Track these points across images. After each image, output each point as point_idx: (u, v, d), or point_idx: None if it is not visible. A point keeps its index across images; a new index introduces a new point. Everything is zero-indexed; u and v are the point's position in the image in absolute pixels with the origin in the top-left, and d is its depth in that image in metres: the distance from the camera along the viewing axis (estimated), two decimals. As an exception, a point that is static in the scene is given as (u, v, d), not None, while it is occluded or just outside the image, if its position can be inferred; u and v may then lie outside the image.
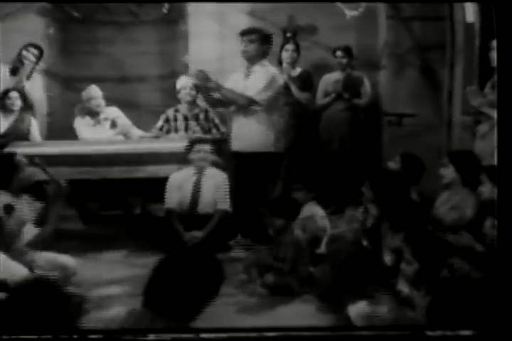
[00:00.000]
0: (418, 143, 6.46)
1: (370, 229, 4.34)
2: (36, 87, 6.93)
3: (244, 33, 5.65)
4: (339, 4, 6.61)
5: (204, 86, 5.62)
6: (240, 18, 7.33)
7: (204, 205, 5.80)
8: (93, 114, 6.65)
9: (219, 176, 5.86)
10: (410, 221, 4.00)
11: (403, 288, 3.71)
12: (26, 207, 4.74)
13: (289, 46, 6.88)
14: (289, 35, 7.24)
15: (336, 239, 4.67)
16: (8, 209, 4.51)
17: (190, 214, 5.78)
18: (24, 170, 4.68)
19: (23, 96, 6.61)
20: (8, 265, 3.98)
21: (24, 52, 6.71)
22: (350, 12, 6.63)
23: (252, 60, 5.65)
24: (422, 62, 6.83)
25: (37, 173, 4.80)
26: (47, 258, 4.38)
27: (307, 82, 6.87)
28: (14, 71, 6.75)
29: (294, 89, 6.78)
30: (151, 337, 2.72)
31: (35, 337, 2.70)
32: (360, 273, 4.18)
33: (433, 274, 3.50)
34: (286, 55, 6.85)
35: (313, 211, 5.22)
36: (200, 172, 5.80)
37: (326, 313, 4.25)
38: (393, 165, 5.23)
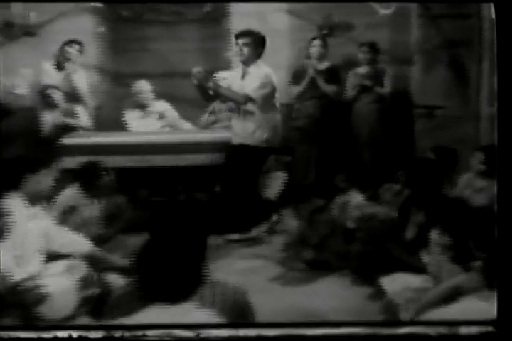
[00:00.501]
0: (448, 134, 6.73)
1: (401, 205, 4.75)
2: (82, 81, 7.17)
3: (240, 36, 5.87)
4: (373, 3, 6.85)
5: (203, 85, 5.84)
6: (278, 16, 7.61)
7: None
8: (142, 107, 7.04)
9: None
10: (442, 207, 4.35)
11: (427, 259, 4.09)
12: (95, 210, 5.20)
13: (316, 42, 7.13)
14: (324, 31, 7.57)
15: (369, 218, 5.04)
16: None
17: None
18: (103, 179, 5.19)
19: (71, 90, 6.98)
20: (74, 238, 4.40)
21: (67, 48, 7.01)
22: (383, 11, 6.87)
23: (247, 61, 5.91)
24: (451, 57, 7.01)
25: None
26: None
27: (334, 75, 7.15)
28: (60, 66, 7.05)
29: (320, 82, 7.05)
30: (151, 336, 2.75)
31: (36, 336, 2.78)
32: (390, 248, 4.59)
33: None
34: (313, 50, 7.12)
35: (353, 198, 5.53)
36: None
37: (360, 285, 4.68)
38: None
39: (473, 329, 2.91)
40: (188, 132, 7.04)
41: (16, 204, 4.05)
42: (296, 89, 7.13)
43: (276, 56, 7.44)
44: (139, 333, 2.72)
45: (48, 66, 7.09)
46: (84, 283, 3.65)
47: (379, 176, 6.16)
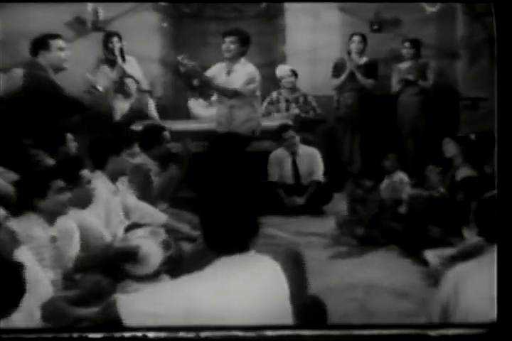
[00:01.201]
0: (491, 124, 7.04)
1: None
2: (134, 69, 7.39)
3: (227, 35, 6.26)
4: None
5: (190, 74, 6.32)
6: (331, 13, 8.05)
7: (303, 178, 6.77)
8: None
9: (311, 153, 6.83)
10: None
11: (467, 235, 4.53)
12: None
13: (356, 38, 7.58)
14: (375, 27, 8.00)
15: (415, 198, 5.52)
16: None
17: (292, 185, 6.75)
18: (165, 143, 5.67)
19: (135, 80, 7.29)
20: (150, 210, 4.93)
21: (109, 45, 7.23)
22: (429, 8, 7.21)
23: (233, 58, 6.28)
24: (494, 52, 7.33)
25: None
26: None
27: (372, 70, 7.59)
28: (111, 63, 7.27)
29: (359, 76, 7.54)
30: (151, 335, 2.74)
31: (35, 336, 2.76)
32: (434, 224, 5.04)
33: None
34: (353, 46, 7.58)
35: (399, 177, 5.97)
36: (293, 153, 6.75)
37: (405, 258, 5.16)
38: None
39: (474, 330, 2.87)
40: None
41: (100, 181, 4.57)
42: (336, 82, 7.63)
43: (328, 50, 7.95)
44: (139, 334, 2.73)
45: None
46: (164, 245, 4.15)
47: (423, 161, 6.56)
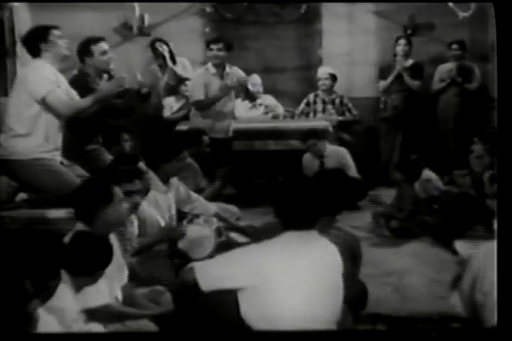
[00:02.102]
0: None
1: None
2: (186, 69, 7.71)
3: (213, 42, 6.59)
4: (452, 6, 7.45)
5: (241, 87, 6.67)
6: (367, 17, 8.34)
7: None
8: (252, 99, 7.78)
9: (338, 152, 7.06)
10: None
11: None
12: None
13: (402, 41, 7.85)
14: (409, 31, 8.25)
15: (446, 193, 5.82)
16: None
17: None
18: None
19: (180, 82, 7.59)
20: (201, 202, 5.22)
21: (157, 51, 7.54)
22: (462, 13, 7.45)
23: (219, 64, 6.61)
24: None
25: None
26: None
27: (418, 71, 7.84)
28: (161, 66, 7.56)
29: (406, 77, 7.79)
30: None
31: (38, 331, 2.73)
32: (466, 217, 5.33)
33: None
34: (399, 49, 7.84)
35: (429, 175, 6.26)
36: (320, 157, 7.00)
37: (437, 247, 5.48)
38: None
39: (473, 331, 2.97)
40: (287, 120, 7.77)
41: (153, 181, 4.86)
42: (383, 84, 7.91)
43: (364, 53, 8.22)
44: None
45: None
46: (217, 232, 4.51)
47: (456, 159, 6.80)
